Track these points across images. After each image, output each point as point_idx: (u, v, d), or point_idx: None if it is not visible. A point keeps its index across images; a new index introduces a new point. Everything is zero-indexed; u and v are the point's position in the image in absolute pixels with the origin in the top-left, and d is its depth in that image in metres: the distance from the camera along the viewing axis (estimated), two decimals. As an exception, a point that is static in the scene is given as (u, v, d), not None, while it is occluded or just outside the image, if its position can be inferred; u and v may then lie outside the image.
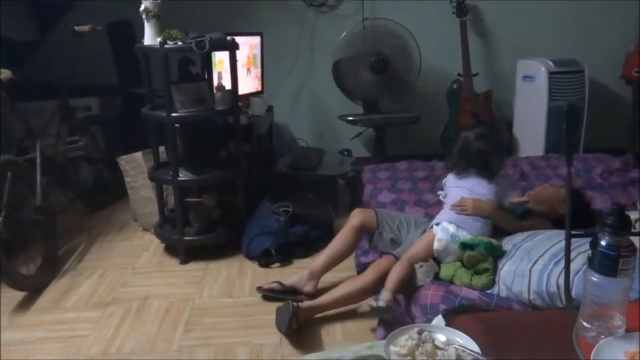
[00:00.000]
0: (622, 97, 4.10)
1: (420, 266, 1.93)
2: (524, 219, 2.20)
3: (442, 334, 1.08)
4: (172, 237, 2.76)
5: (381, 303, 1.89)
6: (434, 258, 2.03)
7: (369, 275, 2.08)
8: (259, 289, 2.35)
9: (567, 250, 1.29)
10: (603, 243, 1.05)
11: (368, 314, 1.95)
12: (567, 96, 3.65)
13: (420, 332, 1.05)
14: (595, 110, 3.74)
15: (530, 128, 3.79)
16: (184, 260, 2.71)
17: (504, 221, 2.10)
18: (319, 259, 2.31)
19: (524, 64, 3.78)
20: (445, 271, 1.96)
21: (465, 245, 1.89)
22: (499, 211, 2.10)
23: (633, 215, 2.20)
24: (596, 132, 3.76)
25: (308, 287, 2.27)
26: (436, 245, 2.02)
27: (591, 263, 1.07)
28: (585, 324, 1.11)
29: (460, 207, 2.09)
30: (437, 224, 2.06)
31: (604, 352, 1.02)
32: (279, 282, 2.31)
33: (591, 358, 1.00)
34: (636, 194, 2.84)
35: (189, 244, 2.73)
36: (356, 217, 2.30)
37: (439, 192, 2.28)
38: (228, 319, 2.19)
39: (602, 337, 1.07)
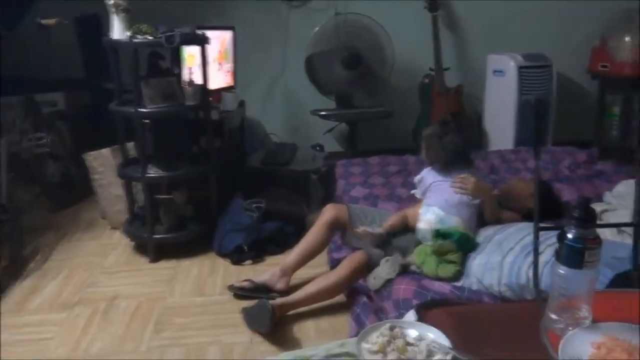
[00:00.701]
0: (588, 91, 4.19)
1: (387, 260, 1.93)
2: None
3: (413, 329, 1.07)
4: (142, 235, 2.72)
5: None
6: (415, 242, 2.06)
7: (342, 270, 2.07)
8: (230, 287, 2.32)
9: (536, 243, 1.30)
10: (570, 236, 1.05)
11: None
12: (536, 90, 3.70)
13: (391, 329, 1.04)
14: (563, 103, 3.81)
15: (500, 122, 3.83)
16: (154, 259, 2.67)
17: (492, 209, 2.11)
18: (291, 255, 2.30)
19: (494, 59, 3.83)
20: (417, 256, 1.96)
21: (438, 234, 1.89)
22: (493, 196, 2.12)
23: (598, 207, 2.25)
24: (564, 125, 3.82)
25: (280, 285, 2.26)
26: (421, 225, 2.04)
27: (558, 256, 1.08)
28: (553, 316, 1.11)
29: (460, 185, 2.06)
30: (426, 204, 2.08)
31: (571, 344, 1.02)
32: (250, 280, 2.29)
33: (559, 349, 1.00)
34: (602, 186, 2.90)
35: (159, 242, 2.69)
36: (328, 213, 2.29)
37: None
38: (199, 318, 2.16)
39: (570, 328, 1.08)
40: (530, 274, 1.67)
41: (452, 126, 2.14)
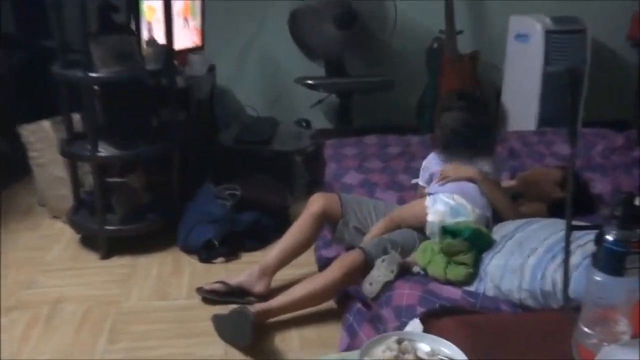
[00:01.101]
0: (627, 62, 4.24)
1: (383, 260, 1.97)
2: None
3: (424, 343, 1.10)
4: (90, 226, 2.73)
5: (399, 258, 1.96)
6: (424, 234, 2.11)
7: (333, 272, 2.10)
8: (199, 290, 2.33)
9: (567, 244, 1.34)
10: (609, 238, 1.09)
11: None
12: (566, 60, 3.74)
13: (399, 342, 1.08)
14: (596, 76, 3.84)
15: (522, 97, 3.88)
16: (106, 255, 2.68)
17: (497, 194, 2.16)
18: (272, 252, 2.32)
19: (517, 21, 3.85)
20: (421, 256, 1.99)
21: (446, 231, 1.93)
22: (488, 179, 2.16)
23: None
24: (597, 102, 3.85)
25: (259, 287, 2.28)
26: (431, 217, 2.07)
27: (595, 260, 1.12)
28: (586, 329, 1.15)
29: (442, 179, 2.14)
30: (431, 194, 2.13)
31: (607, 362, 1.07)
32: (223, 282, 2.31)
33: (593, 368, 1.05)
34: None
35: (111, 234, 2.70)
36: (317, 203, 2.32)
37: (415, 180, 2.31)
38: (162, 326, 2.18)
39: (605, 344, 1.12)
40: (557, 279, 1.71)
41: (461, 101, 2.19)
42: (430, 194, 2.17)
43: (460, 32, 3.83)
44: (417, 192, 2.37)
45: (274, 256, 2.31)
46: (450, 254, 1.92)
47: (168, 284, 2.47)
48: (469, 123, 2.20)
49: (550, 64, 3.73)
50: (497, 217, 2.18)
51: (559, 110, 3.81)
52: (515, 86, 3.90)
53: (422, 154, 3.12)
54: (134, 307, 2.32)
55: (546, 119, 3.73)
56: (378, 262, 1.99)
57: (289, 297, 2.14)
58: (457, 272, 1.91)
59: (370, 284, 1.96)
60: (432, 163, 2.26)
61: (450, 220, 2.06)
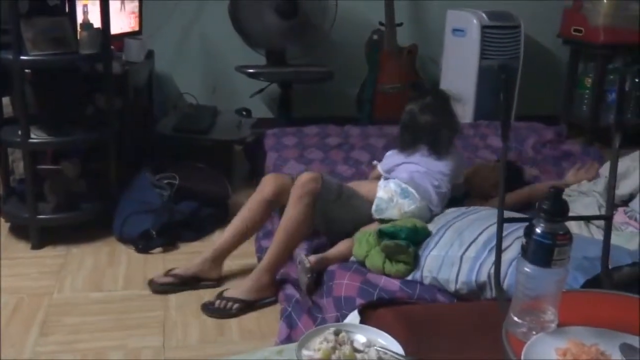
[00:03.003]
0: (558, 58, 4.40)
1: (299, 263, 2.03)
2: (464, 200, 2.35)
3: (361, 334, 1.12)
4: (21, 215, 2.65)
5: (307, 263, 1.99)
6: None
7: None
8: (152, 283, 2.30)
9: (499, 235, 1.39)
10: (538, 230, 1.13)
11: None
12: (501, 55, 3.86)
13: (337, 333, 1.09)
14: (528, 72, 3.97)
15: (458, 90, 3.91)
16: (38, 245, 2.61)
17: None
18: (224, 238, 2.32)
19: (454, 15, 3.93)
20: (359, 249, 2.03)
21: (383, 233, 1.96)
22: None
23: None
24: (528, 97, 3.99)
25: (213, 273, 2.31)
26: (381, 193, 2.15)
27: (524, 252, 1.16)
28: (516, 319, 1.19)
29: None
30: (386, 179, 2.21)
31: (535, 350, 1.11)
32: (175, 275, 2.29)
33: (522, 357, 1.09)
34: (569, 169, 3.09)
35: (43, 223, 2.63)
36: (270, 186, 2.31)
37: (376, 162, 2.39)
38: (97, 318, 2.14)
39: (534, 333, 1.17)
40: (492, 271, 1.77)
41: (423, 103, 2.26)
42: (386, 178, 2.25)
43: (400, 24, 3.86)
44: (371, 175, 2.45)
45: (226, 241, 2.32)
46: (389, 255, 1.95)
47: (103, 275, 2.42)
48: (416, 117, 2.27)
49: (485, 59, 3.82)
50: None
51: (493, 104, 3.93)
52: (452, 80, 3.95)
53: (361, 145, 3.21)
54: (67, 298, 2.26)
55: (481, 113, 3.82)
56: (297, 265, 2.06)
57: (271, 251, 2.19)
58: (397, 268, 1.94)
59: (300, 285, 2.05)
60: (394, 154, 2.33)
61: (398, 199, 2.14)
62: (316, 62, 3.85)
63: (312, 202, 2.14)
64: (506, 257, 1.82)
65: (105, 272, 2.45)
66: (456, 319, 1.68)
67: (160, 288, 2.28)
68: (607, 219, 1.39)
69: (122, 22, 3.26)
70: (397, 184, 2.17)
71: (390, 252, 1.93)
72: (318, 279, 2.07)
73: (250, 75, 3.64)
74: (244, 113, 3.74)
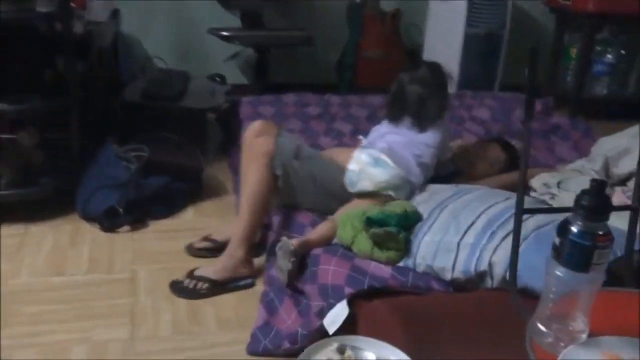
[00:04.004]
0: (544, 28, 4.30)
1: (279, 248, 1.91)
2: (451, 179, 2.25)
3: (370, 350, 0.96)
4: (-27, 190, 2.45)
5: (290, 246, 1.88)
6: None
7: (253, 173, 2.09)
8: (190, 248, 2.26)
9: (517, 226, 1.22)
10: (574, 229, 0.98)
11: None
12: (487, 22, 3.76)
13: (341, 350, 0.92)
14: (513, 41, 3.88)
15: (442, 58, 3.76)
16: (-9, 223, 2.43)
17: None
18: (241, 222, 2.14)
19: None
20: (343, 233, 1.91)
21: (372, 221, 1.83)
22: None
23: (553, 178, 2.28)
24: (513, 66, 3.88)
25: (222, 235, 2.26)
26: (352, 165, 2.08)
27: (557, 254, 1.00)
28: (541, 327, 1.05)
29: None
30: (362, 148, 2.16)
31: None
32: (211, 239, 2.26)
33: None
34: (559, 144, 2.97)
35: (-2, 199, 2.44)
36: (263, 144, 2.14)
37: (360, 137, 2.30)
38: (59, 307, 1.96)
39: (562, 344, 1.03)
40: (495, 260, 1.63)
41: (413, 75, 2.19)
42: (362, 147, 2.18)
43: None
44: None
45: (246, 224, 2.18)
46: (378, 243, 1.83)
47: (65, 257, 2.24)
48: (404, 87, 2.20)
49: (471, 26, 3.72)
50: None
51: (478, 73, 3.83)
52: (436, 48, 3.86)
53: (342, 115, 3.07)
54: (25, 284, 2.07)
55: (465, 82, 3.71)
56: (277, 249, 1.93)
57: (238, 224, 2.10)
58: (387, 255, 1.82)
59: (281, 271, 1.91)
60: (381, 125, 2.29)
61: (369, 170, 2.05)
62: (294, 26, 3.79)
63: (267, 161, 2.07)
64: (508, 244, 1.66)
65: (67, 253, 2.27)
66: (458, 311, 1.55)
67: (198, 253, 2.24)
68: (635, 210, 1.24)
69: None
70: (369, 154, 2.10)
71: (380, 240, 1.81)
72: (300, 264, 1.93)
73: (224, 38, 3.52)
74: (218, 79, 3.61)
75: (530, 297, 1.37)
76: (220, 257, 2.10)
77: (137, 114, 3.09)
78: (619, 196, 2.19)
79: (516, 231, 1.20)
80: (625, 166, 2.26)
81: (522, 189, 1.20)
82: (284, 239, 1.93)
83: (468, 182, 2.22)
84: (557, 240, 1.01)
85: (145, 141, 2.68)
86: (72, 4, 2.63)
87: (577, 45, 4.02)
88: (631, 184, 2.26)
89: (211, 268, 2.07)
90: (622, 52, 4.01)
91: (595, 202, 0.97)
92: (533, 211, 1.30)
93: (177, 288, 2.05)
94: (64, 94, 2.56)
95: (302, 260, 1.93)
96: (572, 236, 0.98)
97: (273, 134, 2.15)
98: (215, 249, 2.22)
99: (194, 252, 2.25)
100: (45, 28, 2.64)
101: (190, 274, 2.07)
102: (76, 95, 2.58)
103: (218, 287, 2.04)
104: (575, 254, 0.98)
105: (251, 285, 2.09)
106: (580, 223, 0.98)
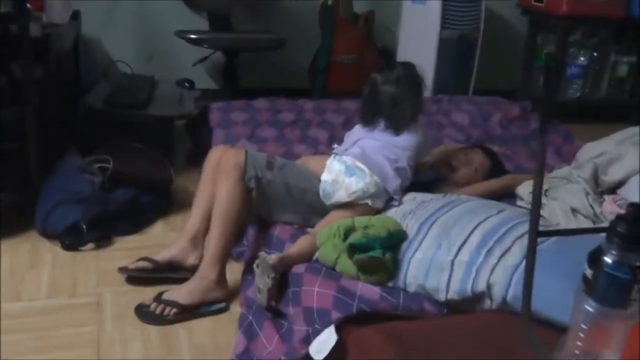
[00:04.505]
0: (516, 30, 4.28)
1: (257, 265, 1.78)
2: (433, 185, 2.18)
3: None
4: None
5: (269, 260, 1.75)
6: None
7: (221, 188, 1.96)
8: (123, 270, 2.07)
9: (531, 250, 1.09)
10: (609, 261, 0.87)
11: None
12: (462, 25, 3.72)
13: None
14: (486, 44, 3.85)
15: (416, 61, 3.68)
16: (-60, 243, 2.26)
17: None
18: (192, 218, 2.10)
19: None
20: (325, 253, 1.80)
21: (354, 247, 1.72)
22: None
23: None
24: (486, 70, 3.88)
25: (192, 259, 2.06)
26: (325, 176, 2.00)
27: (589, 287, 0.89)
28: (567, 366, 0.93)
29: None
30: (335, 155, 2.08)
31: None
32: (149, 259, 2.05)
33: None
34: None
35: (-53, 216, 2.29)
36: (217, 153, 2.12)
37: (335, 145, 2.19)
38: (15, 337, 1.79)
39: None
40: (493, 281, 1.52)
41: (386, 75, 2.10)
42: (334, 155, 2.09)
43: None
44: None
45: (194, 221, 2.09)
46: (363, 270, 1.72)
47: (22, 280, 2.07)
48: (377, 88, 2.12)
49: (445, 29, 3.68)
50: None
51: (452, 76, 3.78)
52: (409, 51, 3.78)
53: (317, 122, 2.97)
54: (-23, 311, 1.91)
55: (441, 86, 3.69)
56: (254, 267, 1.80)
57: (210, 243, 1.96)
58: (374, 278, 1.70)
59: (259, 291, 1.77)
60: (354, 130, 2.20)
61: (344, 179, 1.98)
62: (265, 29, 3.70)
63: (239, 176, 1.95)
64: (507, 262, 1.57)
65: (25, 276, 2.11)
66: (456, 336, 1.44)
67: (133, 274, 2.06)
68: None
69: None
70: (342, 162, 2.02)
71: (365, 266, 1.70)
72: (280, 283, 1.80)
73: (192, 41, 3.42)
74: (187, 84, 3.51)
75: (534, 321, 1.27)
76: (191, 279, 1.95)
77: (100, 122, 2.97)
78: (609, 205, 2.11)
79: (531, 256, 1.08)
80: (615, 174, 2.19)
81: (536, 209, 1.08)
82: (262, 254, 1.80)
83: (451, 189, 2.15)
84: (588, 272, 0.89)
85: (110, 151, 2.55)
86: (29, 5, 2.51)
87: (550, 48, 3.99)
88: (622, 192, 2.19)
89: (181, 291, 1.92)
90: (595, 54, 4.00)
91: (633, 229, 0.86)
92: (548, 233, 1.18)
93: (143, 313, 1.90)
94: (20, 101, 2.43)
95: (282, 278, 1.80)
96: (608, 268, 0.87)
97: (239, 151, 2.07)
98: (152, 270, 2.06)
99: (128, 273, 2.08)
100: (-1, 31, 2.52)
101: (158, 298, 1.92)
102: (33, 102, 2.46)
103: (187, 312, 1.89)
104: (610, 289, 0.87)
105: (224, 309, 1.95)
106: (615, 253, 0.87)
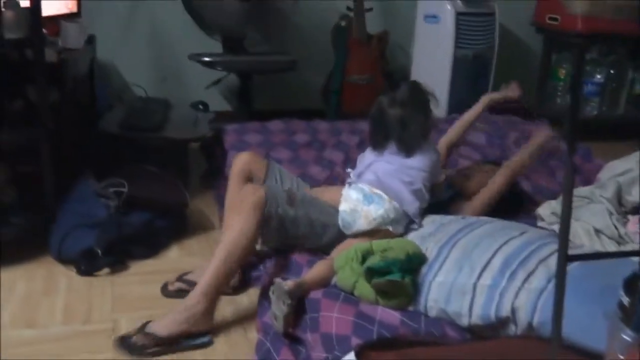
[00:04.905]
0: (531, 48, 4.26)
1: (272, 292, 1.75)
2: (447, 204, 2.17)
3: None
4: None
5: (285, 286, 1.72)
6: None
7: (238, 220, 1.91)
8: (165, 289, 2.09)
9: (561, 276, 1.05)
10: None
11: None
12: (476, 44, 3.72)
13: None
14: (501, 62, 3.84)
15: (430, 81, 3.70)
16: (-44, 269, 2.23)
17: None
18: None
19: (426, 1, 3.74)
20: (343, 278, 1.77)
21: (372, 270, 1.69)
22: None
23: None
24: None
25: (233, 280, 2.04)
26: (342, 206, 1.97)
27: (625, 315, 0.85)
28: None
29: None
30: (350, 184, 2.05)
31: None
32: (188, 280, 2.06)
33: None
34: (560, 168, 2.86)
35: (-36, 242, 2.26)
36: (240, 161, 2.18)
37: (349, 170, 2.17)
38: (30, 365, 1.76)
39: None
40: (518, 305, 1.47)
41: (392, 96, 2.08)
42: (349, 183, 2.06)
43: (370, 9, 3.68)
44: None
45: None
46: (382, 295, 1.70)
47: (38, 306, 2.04)
48: (384, 110, 2.08)
49: (460, 47, 3.67)
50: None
51: (467, 95, 3.73)
52: (424, 70, 3.80)
53: (333, 143, 2.95)
54: (-8, 338, 1.88)
55: (455, 104, 3.64)
56: (270, 294, 1.77)
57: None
58: (394, 302, 1.68)
59: (275, 318, 1.74)
60: (366, 154, 2.15)
61: (362, 208, 1.94)
62: (278, 50, 3.69)
63: (259, 213, 1.89)
64: (532, 286, 1.53)
65: (40, 302, 2.07)
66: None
67: (173, 294, 2.07)
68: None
69: (58, 2, 2.97)
70: (358, 190, 1.98)
71: (384, 289, 1.67)
72: (297, 308, 1.77)
73: (206, 64, 3.41)
74: (201, 107, 3.50)
75: (561, 347, 1.22)
76: (177, 309, 1.84)
77: (115, 146, 2.95)
78: (634, 225, 2.06)
79: (560, 282, 1.04)
80: (640, 193, 2.14)
81: (565, 233, 1.04)
82: (278, 280, 1.76)
83: (467, 205, 2.14)
84: (624, 299, 0.86)
85: (125, 175, 2.51)
86: (44, 31, 2.52)
87: (565, 66, 3.97)
88: (647, 211, 2.14)
89: (163, 321, 1.82)
90: (611, 71, 3.96)
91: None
92: (578, 258, 1.14)
93: (123, 344, 1.79)
94: (37, 126, 2.41)
95: (298, 304, 1.76)
96: (647, 296, 0.83)
97: (262, 169, 2.11)
98: (189, 291, 1.98)
99: (168, 293, 2.08)
100: (16, 56, 2.51)
101: (142, 328, 1.82)
102: (49, 126, 2.43)
103: (167, 345, 1.78)
104: (649, 318, 0.83)
105: (208, 343, 1.84)
106: (656, 280, 0.83)
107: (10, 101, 2.51)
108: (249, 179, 2.16)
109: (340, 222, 1.98)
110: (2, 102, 2.46)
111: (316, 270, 1.86)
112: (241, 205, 1.92)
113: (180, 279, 2.10)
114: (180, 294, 2.01)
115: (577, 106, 1.04)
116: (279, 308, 1.71)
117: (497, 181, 2.17)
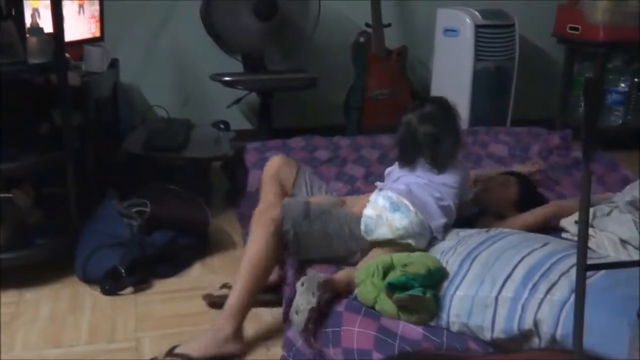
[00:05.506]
0: (552, 59, 4.24)
1: (302, 284, 1.72)
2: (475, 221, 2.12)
3: None
4: (-36, 255, 2.32)
5: (319, 278, 1.72)
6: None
7: (256, 240, 1.92)
8: (208, 296, 2.15)
9: (580, 286, 1.04)
10: None
11: None
12: (496, 56, 3.71)
13: None
14: (522, 73, 3.83)
15: (451, 94, 3.70)
16: (-17, 290, 2.27)
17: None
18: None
19: (445, 14, 3.76)
20: (364, 292, 1.74)
21: (393, 286, 1.67)
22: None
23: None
24: (522, 100, 3.87)
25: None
26: (368, 210, 1.93)
27: None
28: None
29: None
30: (379, 190, 2.04)
31: None
32: (230, 286, 2.05)
33: None
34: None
35: (-9, 264, 2.30)
36: (273, 164, 2.21)
37: (378, 183, 2.17)
38: (55, 384, 1.79)
39: None
40: (541, 317, 1.45)
41: (421, 113, 2.05)
42: (379, 189, 2.04)
43: (388, 25, 3.69)
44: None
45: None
46: (404, 309, 1.68)
47: (63, 325, 2.06)
48: (414, 128, 2.05)
49: (480, 60, 3.66)
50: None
51: (489, 108, 3.75)
52: (444, 83, 3.79)
53: (353, 158, 2.95)
54: (19, 357, 1.89)
55: (477, 117, 3.65)
56: (298, 285, 1.74)
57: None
58: (416, 317, 1.66)
59: (296, 312, 1.70)
60: (394, 170, 2.14)
61: (387, 215, 1.90)
62: (298, 68, 3.69)
63: (276, 230, 1.90)
64: (555, 298, 1.50)
65: (65, 321, 2.09)
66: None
67: (218, 300, 2.09)
68: None
69: (81, 27, 3.01)
70: (386, 198, 1.94)
71: (405, 305, 1.66)
72: (318, 319, 1.74)
73: (227, 83, 3.44)
74: (222, 126, 3.51)
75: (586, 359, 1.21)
76: (206, 331, 1.86)
77: (138, 167, 2.98)
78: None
79: (580, 293, 1.02)
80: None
81: (584, 241, 1.03)
82: (311, 271, 1.77)
83: (495, 222, 2.09)
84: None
85: (147, 195, 2.55)
86: (68, 55, 2.55)
87: (588, 74, 3.93)
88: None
89: (194, 344, 1.82)
90: (635, 80, 3.91)
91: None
92: (597, 267, 1.13)
93: None
94: (61, 148, 2.44)
95: (319, 316, 1.72)
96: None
97: (293, 173, 2.17)
98: None
99: (213, 299, 2.13)
100: (41, 80, 2.57)
101: (170, 353, 1.82)
102: (73, 148, 2.47)
103: None
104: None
105: None
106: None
107: (36, 125, 2.54)
108: (281, 181, 2.19)
109: (362, 226, 1.94)
110: (28, 125, 2.49)
111: (344, 272, 1.86)
112: (261, 220, 1.92)
113: (225, 286, 2.12)
114: (223, 300, 1.99)
115: (595, 114, 1.03)
116: (307, 300, 1.68)
117: (537, 214, 2.15)
